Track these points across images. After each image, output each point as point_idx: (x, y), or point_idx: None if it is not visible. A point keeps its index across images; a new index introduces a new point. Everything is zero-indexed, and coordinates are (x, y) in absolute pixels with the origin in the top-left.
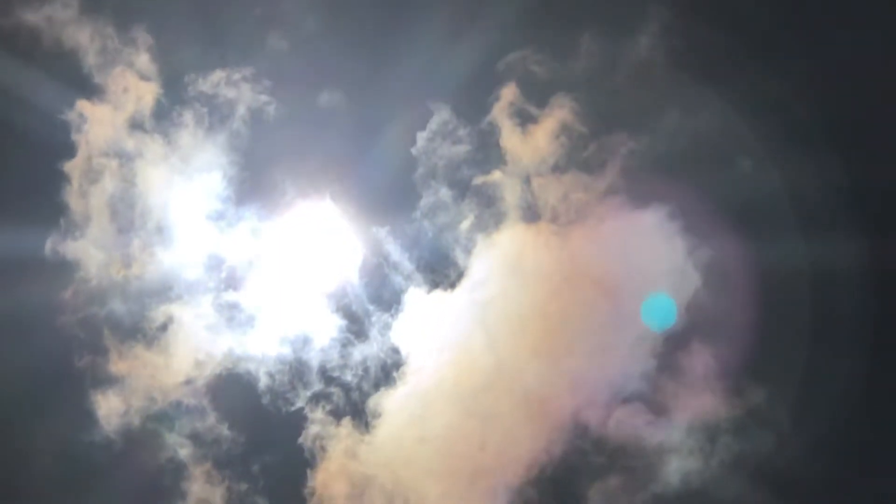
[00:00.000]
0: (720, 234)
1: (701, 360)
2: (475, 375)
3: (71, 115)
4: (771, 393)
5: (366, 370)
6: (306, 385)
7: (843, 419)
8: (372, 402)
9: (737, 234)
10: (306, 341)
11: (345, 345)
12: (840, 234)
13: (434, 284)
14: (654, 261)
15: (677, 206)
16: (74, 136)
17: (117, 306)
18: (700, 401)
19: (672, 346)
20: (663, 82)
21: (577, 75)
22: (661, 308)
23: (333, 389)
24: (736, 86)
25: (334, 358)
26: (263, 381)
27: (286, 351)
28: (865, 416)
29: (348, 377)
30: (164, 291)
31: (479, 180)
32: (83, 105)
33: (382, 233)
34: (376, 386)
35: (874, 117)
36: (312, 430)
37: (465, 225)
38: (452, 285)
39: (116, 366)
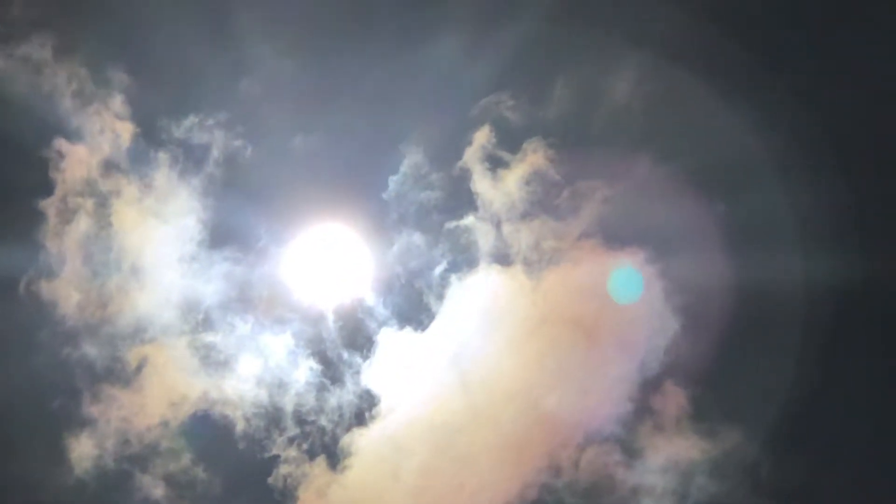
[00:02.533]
0: (698, 276)
1: (677, 402)
2: (450, 417)
3: (48, 153)
4: (747, 435)
5: (341, 415)
6: (281, 430)
7: (825, 463)
8: (345, 444)
9: (714, 275)
10: (280, 385)
11: (320, 389)
12: (822, 274)
13: (408, 328)
14: (630, 305)
15: (654, 250)
16: (52, 174)
17: (92, 347)
18: (676, 443)
19: (649, 390)
20: (638, 128)
21: (551, 120)
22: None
23: (308, 429)
24: (711, 130)
25: (309, 401)
26: (238, 425)
27: (261, 393)
28: (847, 461)
29: (323, 421)
30: (139, 333)
31: (451, 224)
32: (60, 143)
33: (356, 276)
34: (349, 428)
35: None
36: (285, 470)
37: (438, 270)
38: (426, 329)
39: (90, 408)
